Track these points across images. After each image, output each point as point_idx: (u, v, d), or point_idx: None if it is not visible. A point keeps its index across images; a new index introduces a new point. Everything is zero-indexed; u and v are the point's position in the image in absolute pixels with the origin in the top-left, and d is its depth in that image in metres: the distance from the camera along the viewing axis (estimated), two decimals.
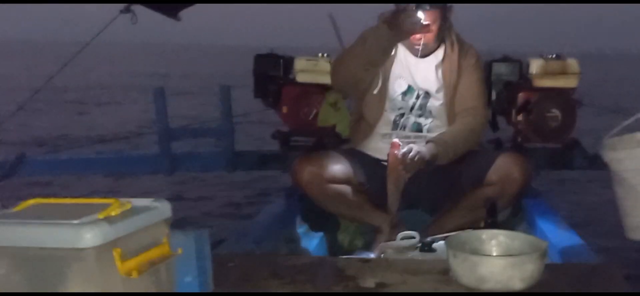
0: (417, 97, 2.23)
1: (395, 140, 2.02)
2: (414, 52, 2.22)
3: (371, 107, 2.25)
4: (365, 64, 2.13)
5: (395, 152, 1.98)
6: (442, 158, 2.09)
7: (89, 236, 0.98)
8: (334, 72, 2.34)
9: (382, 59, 2.15)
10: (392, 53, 2.22)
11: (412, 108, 2.24)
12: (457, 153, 2.14)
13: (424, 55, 2.23)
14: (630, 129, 1.99)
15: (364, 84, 2.21)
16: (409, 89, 2.24)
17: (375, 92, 2.23)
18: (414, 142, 2.06)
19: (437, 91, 2.23)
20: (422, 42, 2.18)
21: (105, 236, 1.00)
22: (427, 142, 2.11)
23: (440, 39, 2.23)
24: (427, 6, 2.08)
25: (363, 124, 2.28)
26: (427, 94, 2.23)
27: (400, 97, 2.24)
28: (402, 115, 2.24)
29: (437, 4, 2.12)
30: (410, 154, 1.98)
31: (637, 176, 1.95)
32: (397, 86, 2.24)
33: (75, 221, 1.00)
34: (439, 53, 2.25)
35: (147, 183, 4.92)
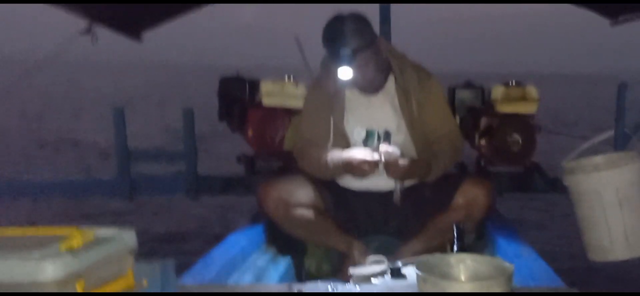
0: (379, 138, 2.16)
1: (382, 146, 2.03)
2: (364, 90, 2.18)
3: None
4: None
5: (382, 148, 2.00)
6: (432, 175, 2.10)
7: (51, 270, 0.94)
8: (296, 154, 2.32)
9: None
10: (342, 101, 2.19)
11: (376, 147, 2.16)
12: (445, 167, 2.14)
13: (374, 91, 2.18)
14: (588, 154, 2.07)
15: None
16: (369, 134, 2.17)
17: (330, 144, 2.19)
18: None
19: (398, 127, 2.17)
20: (367, 82, 2.14)
21: (67, 269, 0.96)
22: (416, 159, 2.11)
23: (384, 72, 2.17)
24: (351, 53, 2.01)
25: None
26: (388, 133, 2.16)
27: (362, 145, 2.17)
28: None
29: (361, 45, 2.04)
30: (391, 153, 1.98)
31: (595, 198, 2.02)
32: (356, 135, 2.18)
33: (36, 254, 0.96)
34: (389, 86, 2.19)
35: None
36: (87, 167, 6.76)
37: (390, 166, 2.00)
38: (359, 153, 2.04)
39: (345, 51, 2.01)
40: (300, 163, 2.27)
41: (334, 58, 2.05)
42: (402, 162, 2.00)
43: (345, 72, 2.06)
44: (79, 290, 0.98)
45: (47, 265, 0.95)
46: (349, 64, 2.04)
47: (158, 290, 1.19)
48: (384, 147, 2.01)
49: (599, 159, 2.01)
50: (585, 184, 2.03)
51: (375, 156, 1.99)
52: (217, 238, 2.19)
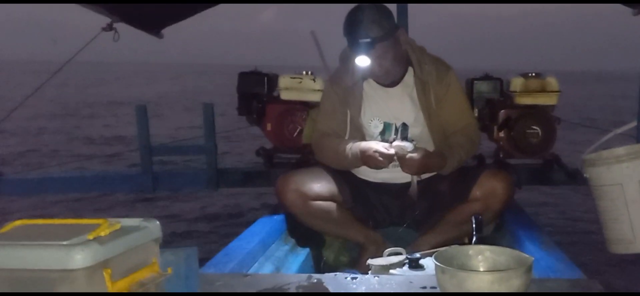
0: (396, 131, 2.17)
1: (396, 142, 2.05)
2: (381, 81, 2.19)
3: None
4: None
5: (394, 142, 2.02)
6: (448, 168, 2.11)
7: (79, 257, 0.97)
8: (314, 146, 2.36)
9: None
10: (359, 94, 2.19)
11: (393, 140, 2.18)
12: (461, 160, 2.15)
13: (392, 84, 2.19)
14: (608, 145, 2.04)
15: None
16: (386, 127, 2.18)
17: (346, 137, 2.21)
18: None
19: (415, 120, 2.17)
20: (384, 73, 2.14)
21: (95, 257, 0.99)
22: (432, 151, 2.11)
23: (402, 65, 2.18)
24: (370, 41, 2.02)
25: None
26: (405, 126, 2.18)
27: (379, 138, 2.19)
28: (384, 141, 2.18)
29: (380, 35, 2.04)
30: (403, 148, 2.01)
31: (616, 190, 2.00)
32: (373, 128, 2.20)
33: (65, 242, 0.99)
34: (408, 79, 2.19)
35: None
36: (110, 162, 6.88)
37: (402, 161, 2.02)
38: (375, 144, 2.05)
39: (365, 40, 2.02)
40: (318, 156, 2.29)
41: (353, 46, 2.06)
42: (412, 156, 2.00)
43: (363, 61, 2.06)
44: (106, 277, 1.01)
45: (76, 252, 0.97)
46: (368, 53, 2.04)
47: (181, 279, 1.22)
48: (397, 142, 2.02)
49: (620, 150, 1.98)
50: (607, 176, 2.00)
51: (390, 150, 2.01)
52: (237, 230, 2.23)
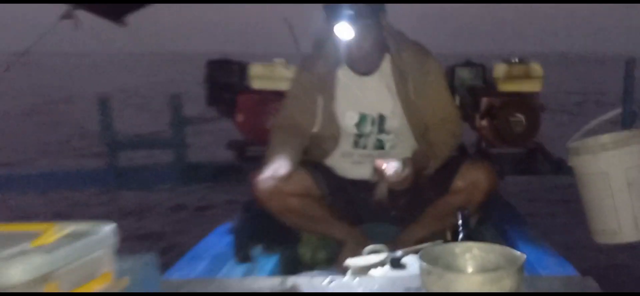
0: (373, 123, 2.07)
1: (378, 161, 1.93)
2: (357, 67, 2.08)
3: (323, 139, 2.12)
4: None
5: (384, 167, 1.91)
6: (432, 167, 2.03)
7: (17, 271, 0.85)
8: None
9: None
10: (333, 82, 2.09)
11: (369, 132, 2.10)
12: (444, 158, 2.07)
13: (368, 71, 2.09)
14: (594, 133, 2.00)
15: None
16: (362, 118, 2.07)
17: (315, 130, 2.11)
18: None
19: (393, 111, 2.07)
20: (362, 57, 2.05)
21: (37, 270, 0.87)
22: (415, 153, 2.03)
23: (381, 52, 2.08)
24: (354, 17, 1.93)
25: (320, 143, 2.15)
26: (382, 117, 2.07)
27: (355, 129, 2.09)
28: (360, 135, 2.11)
29: (365, 12, 1.95)
30: (397, 171, 1.90)
31: (602, 179, 1.96)
32: (348, 119, 2.08)
33: (4, 253, 0.87)
34: (385, 67, 2.09)
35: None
36: (72, 158, 6.65)
37: (396, 184, 1.92)
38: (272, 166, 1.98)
39: (348, 12, 1.92)
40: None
41: (334, 18, 1.95)
42: (405, 174, 1.91)
43: (344, 30, 1.95)
44: (50, 293, 0.88)
45: (16, 265, 0.86)
46: (349, 30, 1.95)
47: (139, 289, 1.09)
48: (386, 166, 1.91)
49: (606, 138, 1.94)
50: (592, 164, 1.96)
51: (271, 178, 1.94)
52: (207, 229, 2.11)
